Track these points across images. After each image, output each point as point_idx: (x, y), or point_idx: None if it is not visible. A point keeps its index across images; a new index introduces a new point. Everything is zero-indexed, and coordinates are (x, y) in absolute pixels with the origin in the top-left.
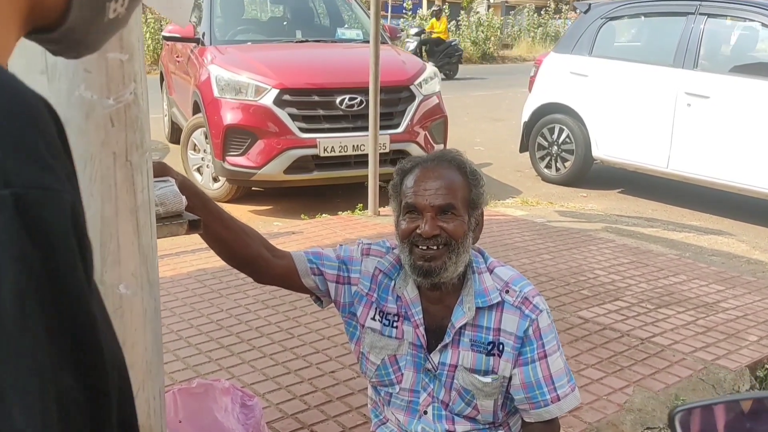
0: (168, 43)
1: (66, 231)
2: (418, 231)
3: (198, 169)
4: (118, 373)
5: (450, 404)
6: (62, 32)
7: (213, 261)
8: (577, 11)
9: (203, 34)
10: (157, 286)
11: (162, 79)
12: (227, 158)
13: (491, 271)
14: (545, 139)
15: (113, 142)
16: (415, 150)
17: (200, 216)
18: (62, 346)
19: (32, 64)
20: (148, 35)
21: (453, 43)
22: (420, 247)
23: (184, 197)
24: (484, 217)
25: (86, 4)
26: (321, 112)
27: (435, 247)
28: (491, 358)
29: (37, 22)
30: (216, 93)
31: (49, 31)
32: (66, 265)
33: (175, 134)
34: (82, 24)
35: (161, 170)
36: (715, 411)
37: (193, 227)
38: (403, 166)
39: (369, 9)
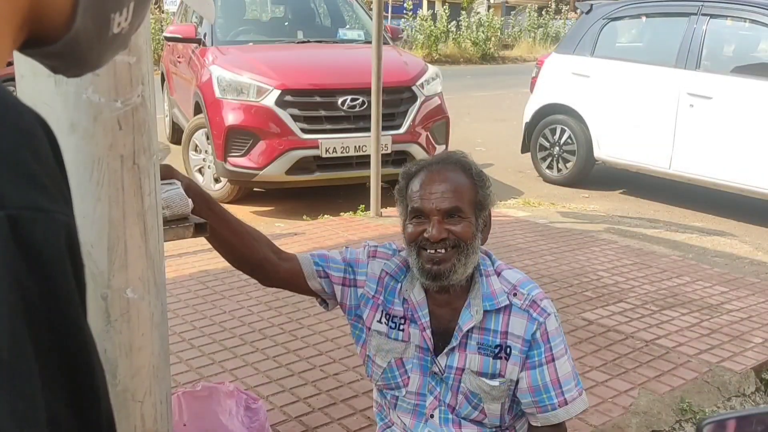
0: (169, 43)
1: (61, 253)
2: (425, 235)
3: (199, 170)
4: (106, 403)
5: (457, 408)
6: (65, 43)
7: (215, 262)
8: (579, 12)
9: (204, 35)
10: (164, 289)
11: (163, 80)
12: (229, 159)
13: (499, 274)
14: (547, 139)
15: (121, 145)
16: (416, 151)
17: (206, 219)
18: (55, 372)
19: (39, 67)
20: None
21: None
22: (428, 250)
23: (190, 200)
24: None
25: (91, 13)
26: (323, 112)
27: (443, 250)
28: (498, 361)
29: (37, 30)
30: (217, 94)
31: (50, 42)
32: (61, 289)
33: (176, 135)
34: (85, 36)
35: (167, 172)
36: (744, 423)
37: (199, 230)
38: (408, 170)
39: (371, 9)
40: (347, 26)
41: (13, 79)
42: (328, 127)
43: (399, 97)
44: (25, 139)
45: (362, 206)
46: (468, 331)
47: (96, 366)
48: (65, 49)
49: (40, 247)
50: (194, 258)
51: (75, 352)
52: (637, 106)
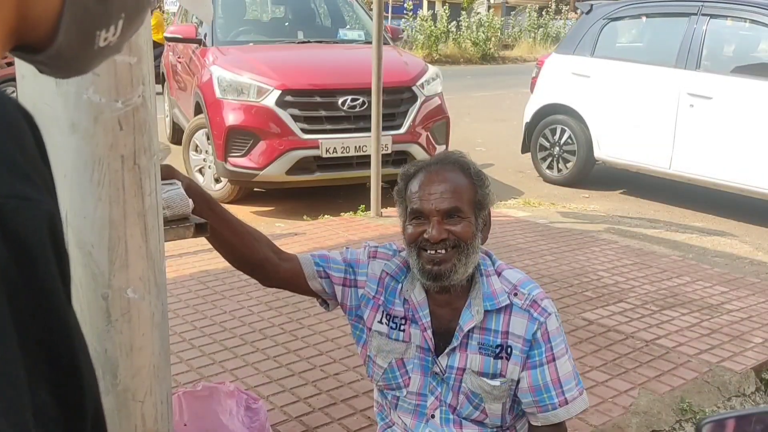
0: (170, 43)
1: (44, 242)
2: (425, 236)
3: (200, 170)
4: (92, 393)
5: (458, 408)
6: (48, 55)
7: (215, 262)
8: (579, 12)
9: (205, 35)
10: (165, 289)
11: (163, 80)
12: (229, 159)
13: (499, 274)
14: (547, 139)
15: (121, 146)
16: (417, 151)
17: (207, 219)
18: (38, 360)
19: None
20: None
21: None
22: (428, 251)
23: (190, 200)
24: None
25: (74, 31)
26: (323, 113)
27: (443, 250)
28: (499, 361)
29: (23, 40)
30: (218, 94)
31: (35, 52)
32: (44, 278)
33: (177, 135)
34: (68, 50)
35: (168, 173)
36: (744, 423)
37: (199, 230)
38: (407, 171)
39: (371, 9)
40: (347, 26)
41: (13, 80)
42: (329, 127)
43: (399, 97)
44: (8, 131)
45: (362, 206)
46: (469, 331)
47: (80, 355)
48: (49, 59)
49: (23, 236)
50: (194, 258)
51: (58, 341)
52: (638, 107)
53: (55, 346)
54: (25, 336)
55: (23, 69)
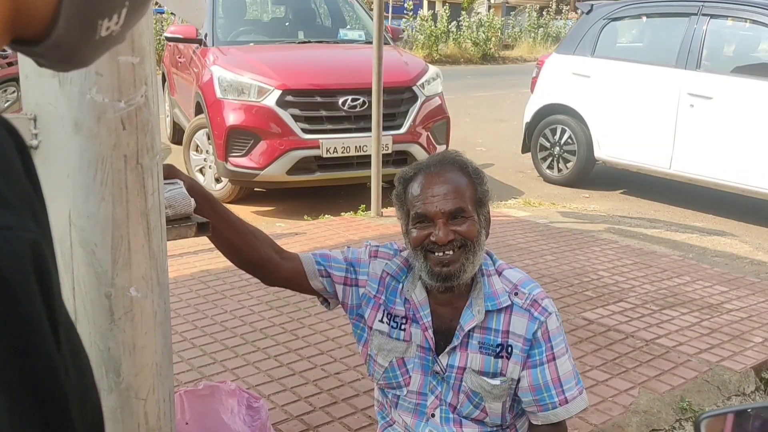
0: (170, 44)
1: (25, 273)
2: (432, 238)
3: (200, 170)
4: (93, 406)
5: (458, 407)
6: (47, 47)
7: (216, 262)
8: (579, 12)
9: (205, 35)
10: (167, 288)
11: (164, 80)
12: (230, 159)
13: (500, 274)
14: (547, 139)
15: (124, 145)
16: (417, 151)
17: (209, 219)
18: (23, 400)
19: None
20: None
21: None
22: (436, 253)
23: (192, 199)
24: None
25: (75, 20)
26: (323, 113)
27: (451, 251)
28: (500, 360)
29: (20, 32)
30: (218, 94)
31: (33, 44)
32: (25, 313)
33: (177, 135)
34: (68, 40)
35: (170, 172)
36: (742, 417)
37: (201, 230)
38: (404, 174)
39: (371, 9)
40: (348, 26)
41: (15, 79)
42: (329, 127)
43: (400, 97)
44: None
45: (363, 206)
46: (469, 330)
47: (67, 391)
48: (47, 50)
49: (2, 269)
50: (196, 258)
51: (42, 379)
52: (638, 106)
53: (40, 385)
54: (6, 375)
55: (27, 69)
